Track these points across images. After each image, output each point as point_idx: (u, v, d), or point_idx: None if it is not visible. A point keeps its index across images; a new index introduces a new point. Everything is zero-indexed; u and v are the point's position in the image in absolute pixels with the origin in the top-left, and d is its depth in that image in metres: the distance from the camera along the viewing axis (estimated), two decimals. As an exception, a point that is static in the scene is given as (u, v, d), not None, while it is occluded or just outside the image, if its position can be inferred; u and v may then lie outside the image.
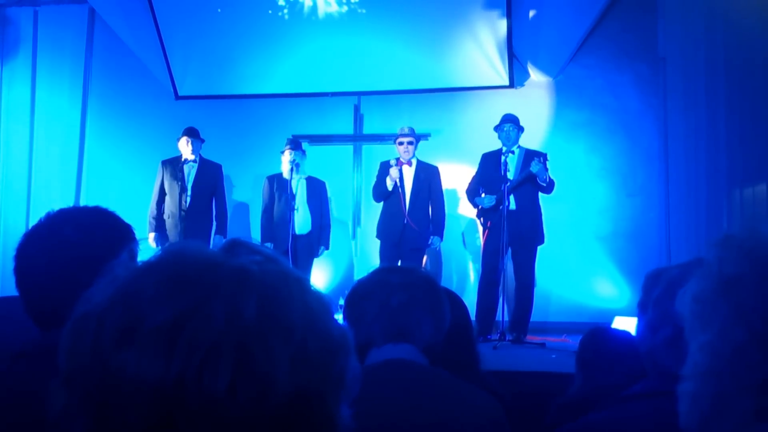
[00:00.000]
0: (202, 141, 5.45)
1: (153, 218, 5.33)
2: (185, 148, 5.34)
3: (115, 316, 0.48)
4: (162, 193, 5.37)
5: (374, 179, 5.32)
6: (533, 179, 4.80)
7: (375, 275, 1.33)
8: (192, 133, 5.38)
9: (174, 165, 5.34)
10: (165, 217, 5.34)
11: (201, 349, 0.46)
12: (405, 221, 5.05)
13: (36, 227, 1.13)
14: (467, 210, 5.63)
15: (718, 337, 0.56)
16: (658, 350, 1.06)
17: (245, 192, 6.39)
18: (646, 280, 1.17)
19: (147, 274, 0.50)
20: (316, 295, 0.54)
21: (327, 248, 5.51)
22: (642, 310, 1.15)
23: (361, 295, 1.29)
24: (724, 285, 0.58)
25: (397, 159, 5.14)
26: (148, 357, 0.46)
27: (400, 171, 5.10)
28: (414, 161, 5.20)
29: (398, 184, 5.07)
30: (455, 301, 1.80)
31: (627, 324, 4.42)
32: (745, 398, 0.54)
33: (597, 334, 2.24)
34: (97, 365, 0.48)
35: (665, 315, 1.07)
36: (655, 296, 1.11)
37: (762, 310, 0.55)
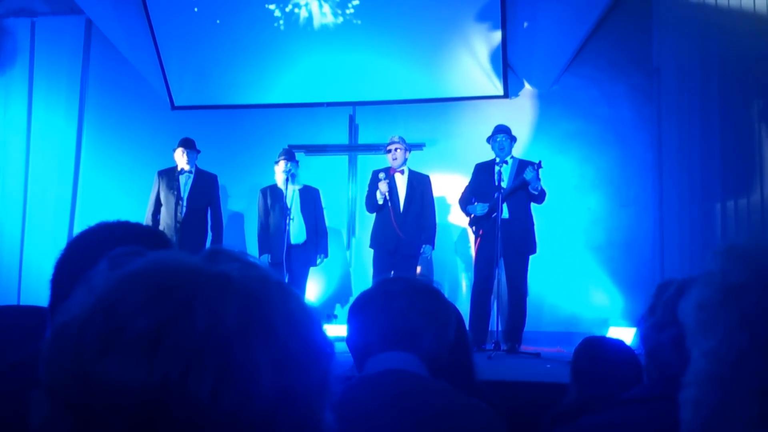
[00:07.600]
0: (198, 152, 5.46)
1: None
2: (181, 159, 5.36)
3: (96, 324, 0.48)
4: (158, 204, 5.37)
5: (367, 189, 5.33)
6: (526, 187, 4.81)
7: (377, 286, 1.33)
8: (187, 144, 5.39)
9: (170, 175, 5.34)
10: (160, 227, 5.31)
11: (183, 355, 0.46)
12: (398, 232, 5.05)
13: (79, 238, 1.07)
14: (460, 219, 5.64)
15: (722, 343, 0.56)
16: (662, 348, 1.06)
17: (240, 202, 6.39)
18: (658, 288, 1.18)
19: (128, 281, 0.50)
20: (298, 301, 0.54)
21: (326, 256, 5.49)
22: (650, 312, 1.15)
23: (363, 303, 1.29)
24: (729, 293, 0.58)
25: (388, 168, 5.15)
26: (131, 364, 0.46)
27: (393, 181, 5.11)
28: (406, 170, 5.22)
29: (387, 198, 5.07)
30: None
31: (621, 334, 4.42)
32: (748, 404, 0.53)
33: (591, 344, 2.23)
34: (79, 374, 0.48)
35: (674, 314, 1.07)
36: (666, 297, 1.12)
37: (766, 318, 0.55)
